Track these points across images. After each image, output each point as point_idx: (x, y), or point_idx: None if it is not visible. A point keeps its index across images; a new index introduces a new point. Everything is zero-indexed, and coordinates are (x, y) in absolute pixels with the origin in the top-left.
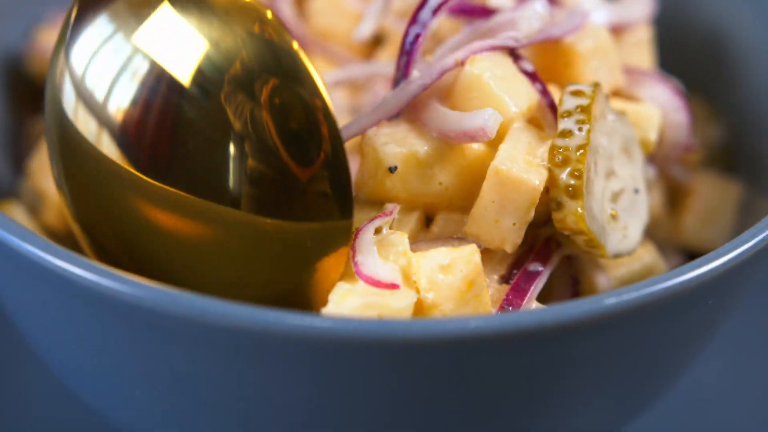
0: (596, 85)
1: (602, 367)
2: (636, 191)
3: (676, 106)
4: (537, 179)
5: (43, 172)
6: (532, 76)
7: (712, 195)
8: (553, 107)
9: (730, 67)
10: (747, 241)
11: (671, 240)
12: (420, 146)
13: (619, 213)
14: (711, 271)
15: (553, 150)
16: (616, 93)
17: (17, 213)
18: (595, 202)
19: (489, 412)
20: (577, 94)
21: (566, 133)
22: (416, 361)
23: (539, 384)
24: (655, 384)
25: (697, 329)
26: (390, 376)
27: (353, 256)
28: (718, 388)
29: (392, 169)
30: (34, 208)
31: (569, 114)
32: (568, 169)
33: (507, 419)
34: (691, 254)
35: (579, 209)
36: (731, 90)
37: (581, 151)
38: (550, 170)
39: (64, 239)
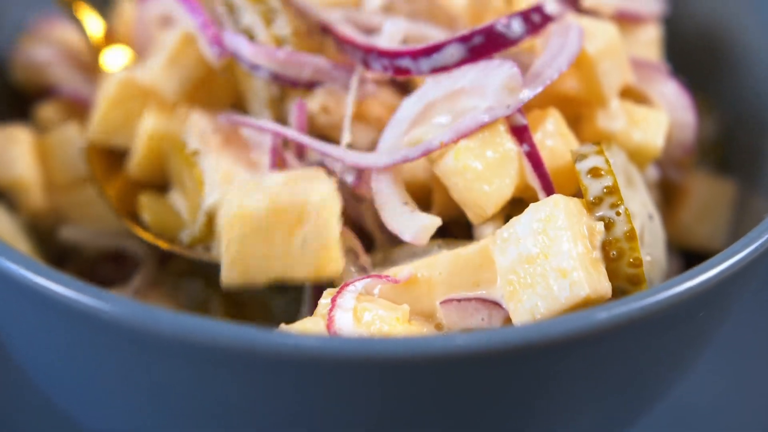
0: (601, 149)
1: (591, 381)
2: (650, 217)
3: (685, 105)
4: (609, 288)
5: (8, 162)
6: (522, 133)
7: (707, 194)
8: (538, 166)
9: (723, 62)
10: (738, 252)
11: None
12: None
13: (649, 253)
14: (702, 283)
15: (605, 248)
16: (626, 92)
17: None
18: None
19: (476, 428)
20: (595, 174)
21: (608, 223)
22: (402, 378)
23: (528, 398)
24: (644, 397)
25: (689, 341)
26: (374, 393)
27: (331, 309)
28: (710, 396)
29: None
30: (14, 203)
31: (600, 200)
32: (626, 260)
33: None
34: (687, 253)
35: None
36: (724, 85)
37: (631, 237)
38: (606, 263)
39: (47, 227)
